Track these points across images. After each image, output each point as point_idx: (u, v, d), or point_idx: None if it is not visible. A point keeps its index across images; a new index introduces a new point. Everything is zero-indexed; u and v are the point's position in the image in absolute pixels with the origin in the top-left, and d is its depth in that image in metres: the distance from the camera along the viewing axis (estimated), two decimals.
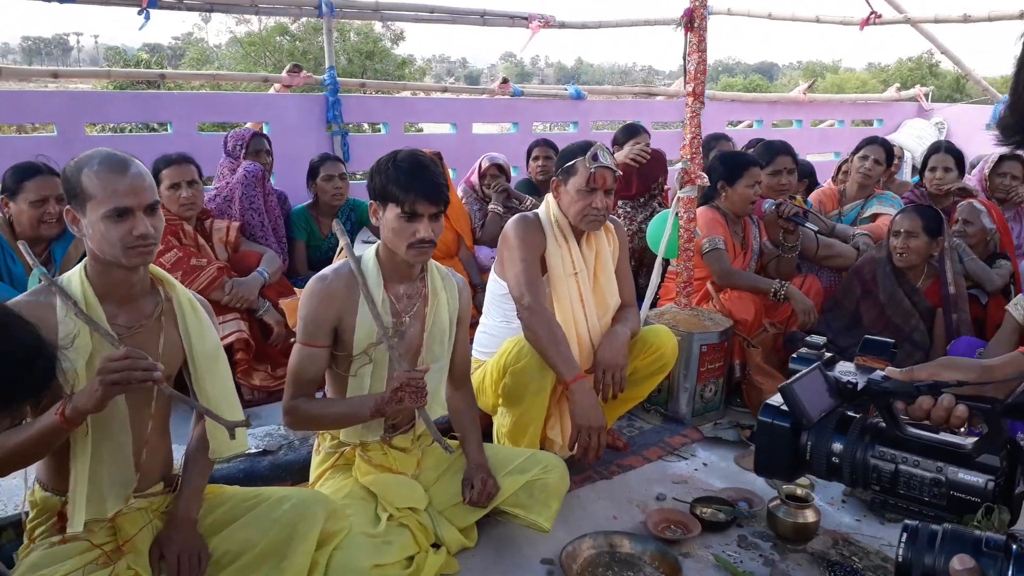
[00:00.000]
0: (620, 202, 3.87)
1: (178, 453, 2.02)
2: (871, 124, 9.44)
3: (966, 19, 6.33)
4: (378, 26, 19.57)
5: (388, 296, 2.15)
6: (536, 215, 2.65)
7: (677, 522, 2.43)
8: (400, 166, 2.06)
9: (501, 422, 2.62)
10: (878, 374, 1.32)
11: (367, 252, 2.20)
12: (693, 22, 3.00)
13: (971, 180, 4.36)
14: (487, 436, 2.52)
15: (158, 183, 3.08)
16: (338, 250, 2.60)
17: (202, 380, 1.90)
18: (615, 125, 8.59)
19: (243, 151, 3.83)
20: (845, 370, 1.38)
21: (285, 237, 3.81)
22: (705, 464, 2.87)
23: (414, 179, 2.03)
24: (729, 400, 3.30)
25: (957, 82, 28.40)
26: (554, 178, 2.65)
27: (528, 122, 7.11)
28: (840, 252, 3.66)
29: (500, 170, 4.44)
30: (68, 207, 1.75)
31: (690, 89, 3.08)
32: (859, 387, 1.30)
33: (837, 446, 1.26)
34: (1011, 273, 3.54)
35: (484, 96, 7.18)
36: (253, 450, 2.51)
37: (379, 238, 2.18)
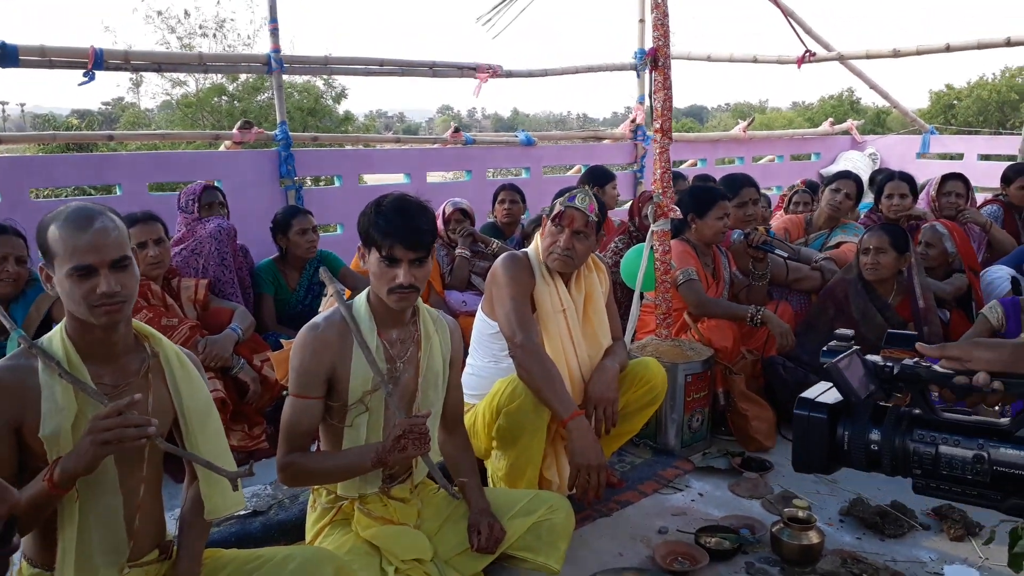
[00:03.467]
0: (618, 238, 3.94)
1: (169, 520, 1.93)
2: (809, 158, 9.79)
3: (896, 54, 6.66)
4: (320, 83, 19.67)
5: (382, 342, 2.11)
6: (525, 253, 2.66)
7: (684, 554, 2.40)
8: (381, 211, 2.03)
9: (496, 466, 2.58)
10: (909, 361, 1.33)
11: (358, 298, 2.16)
12: (658, 61, 3.09)
13: (921, 203, 4.55)
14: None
15: None
16: (326, 298, 2.56)
17: (194, 437, 1.82)
18: (565, 169, 8.75)
19: (196, 205, 3.77)
20: (875, 361, 1.39)
21: (252, 292, 3.74)
22: (701, 494, 2.86)
23: (393, 224, 1.99)
24: (714, 429, 3.31)
25: (878, 116, 29.79)
26: (544, 215, 2.68)
27: (481, 169, 7.17)
28: (808, 275, 3.77)
29: (464, 215, 4.46)
30: (42, 264, 1.69)
31: (658, 126, 3.16)
32: (895, 371, 1.31)
33: (875, 435, 1.27)
34: (966, 284, 3.69)
35: (436, 146, 7.24)
36: (243, 511, 2.41)
37: (337, 295, 2.13)
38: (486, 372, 2.70)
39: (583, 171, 7.61)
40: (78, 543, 1.66)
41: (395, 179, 6.93)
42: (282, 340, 2.79)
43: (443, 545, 2.19)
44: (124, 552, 1.75)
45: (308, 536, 2.23)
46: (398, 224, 1.99)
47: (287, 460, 2.05)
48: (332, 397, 2.09)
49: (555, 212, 2.57)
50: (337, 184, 6.46)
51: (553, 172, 9.09)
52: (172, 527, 1.92)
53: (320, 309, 2.36)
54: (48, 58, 5.05)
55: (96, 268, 1.61)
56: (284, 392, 2.12)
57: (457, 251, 4.36)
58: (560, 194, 2.64)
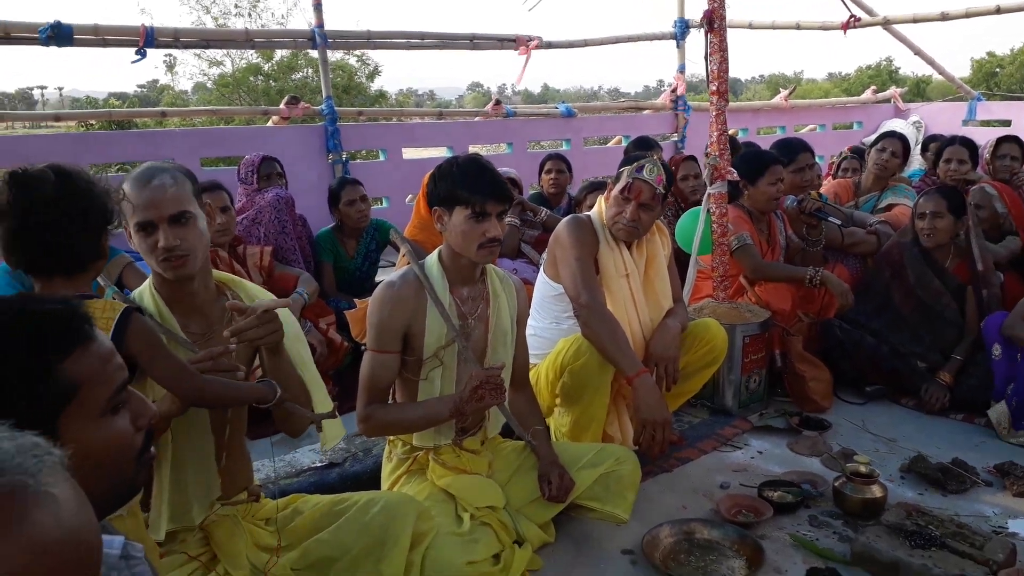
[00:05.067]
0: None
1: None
2: (851, 127, 9.66)
3: (944, 17, 6.53)
4: (353, 61, 19.77)
5: (454, 299, 2.18)
6: (589, 217, 2.70)
7: (748, 507, 2.45)
8: (465, 168, 2.10)
9: (559, 422, 2.65)
10: None
11: (430, 258, 2.23)
12: (713, 23, 3.09)
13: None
14: None
15: None
16: (399, 257, 2.63)
17: (292, 360, 1.87)
18: (606, 140, 8.73)
19: (255, 176, 3.87)
20: None
21: (312, 261, 3.84)
22: (760, 452, 2.90)
23: (480, 180, 2.07)
24: (771, 390, 3.34)
25: (917, 85, 29.10)
26: (609, 180, 2.72)
27: (522, 141, 7.19)
28: (864, 239, 3.76)
29: (512, 183, 4.50)
30: (125, 222, 1.76)
31: (714, 88, 3.16)
32: None
33: None
34: (1020, 247, 3.66)
35: (478, 119, 7.27)
36: (319, 463, 2.52)
37: (410, 255, 2.21)
38: (547, 333, 2.76)
39: (623, 142, 7.64)
40: (172, 481, 1.77)
41: (438, 152, 6.99)
42: (356, 300, 2.86)
43: (514, 494, 2.27)
44: (216, 491, 1.87)
45: (384, 485, 2.32)
46: (485, 180, 2.07)
47: (368, 411, 2.14)
48: (408, 352, 2.17)
49: (623, 184, 2.60)
50: (382, 158, 6.55)
51: (594, 143, 9.08)
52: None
53: (396, 266, 2.41)
54: (101, 37, 5.16)
55: (155, 223, 1.68)
56: (362, 347, 2.19)
57: (507, 219, 4.39)
58: (628, 162, 2.66)
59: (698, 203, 3.48)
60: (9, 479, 0.57)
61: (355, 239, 4.00)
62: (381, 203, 6.38)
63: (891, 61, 32.81)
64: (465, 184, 2.07)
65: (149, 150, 5.58)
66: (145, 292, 1.79)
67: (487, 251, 2.10)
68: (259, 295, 1.92)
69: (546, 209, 4.54)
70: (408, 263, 2.23)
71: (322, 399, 1.93)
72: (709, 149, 3.26)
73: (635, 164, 2.61)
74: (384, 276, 3.28)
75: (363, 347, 2.21)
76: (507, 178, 4.44)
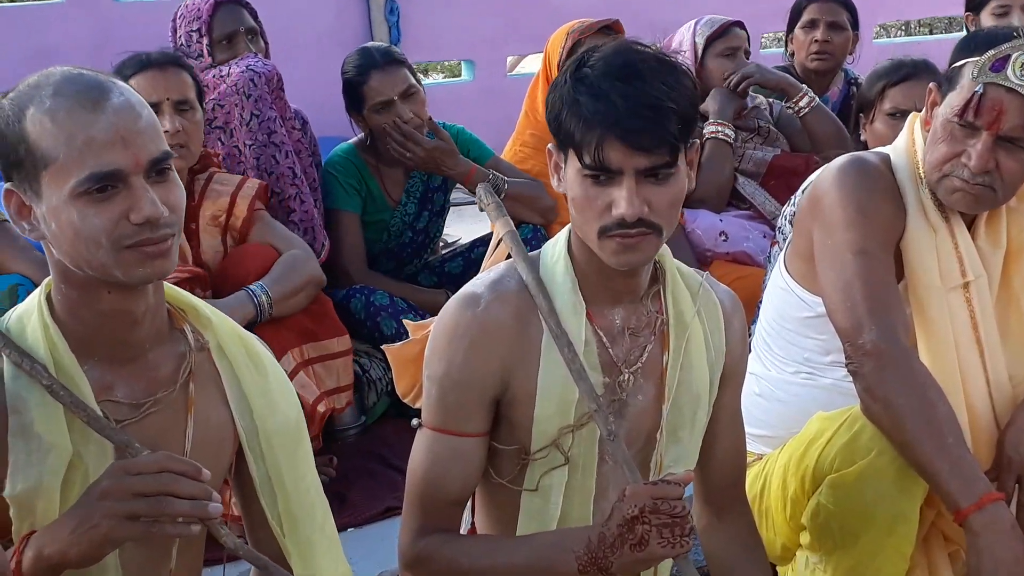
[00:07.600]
0: None
1: None
2: None
3: None
4: None
5: (595, 331, 2.22)
6: (884, 159, 2.67)
7: None
8: (585, 76, 2.05)
9: None
10: None
11: (551, 248, 2.26)
12: None
13: None
14: None
15: None
16: (492, 244, 2.55)
17: (280, 480, 2.03)
18: None
19: (206, 39, 4.00)
20: None
21: (320, 206, 3.94)
22: None
23: (606, 101, 2.01)
24: None
25: None
26: (932, 84, 2.68)
27: None
28: None
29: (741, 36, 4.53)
30: (8, 186, 1.84)
31: None
32: None
33: None
34: None
35: None
36: None
37: (510, 239, 2.29)
38: (787, 393, 2.80)
39: None
40: None
41: None
42: (406, 321, 2.82)
43: None
44: None
45: None
46: (619, 99, 1.99)
47: (420, 548, 2.22)
48: (502, 434, 2.24)
49: (964, 97, 2.53)
50: None
51: None
52: None
53: (485, 264, 2.36)
54: None
55: (126, 175, 1.77)
56: (415, 422, 2.27)
57: (708, 127, 4.35)
58: (972, 45, 2.60)
59: None
60: None
61: (402, 166, 4.11)
62: (461, 73, 6.41)
63: None
64: (577, 108, 2.02)
65: None
66: (32, 319, 1.88)
67: (618, 244, 2.06)
68: (236, 346, 2.05)
69: (809, 91, 4.53)
70: (508, 255, 2.27)
71: (331, 545, 2.08)
72: None
73: (990, 53, 2.52)
74: (458, 226, 3.20)
75: (416, 422, 2.27)
76: (736, 26, 4.50)
